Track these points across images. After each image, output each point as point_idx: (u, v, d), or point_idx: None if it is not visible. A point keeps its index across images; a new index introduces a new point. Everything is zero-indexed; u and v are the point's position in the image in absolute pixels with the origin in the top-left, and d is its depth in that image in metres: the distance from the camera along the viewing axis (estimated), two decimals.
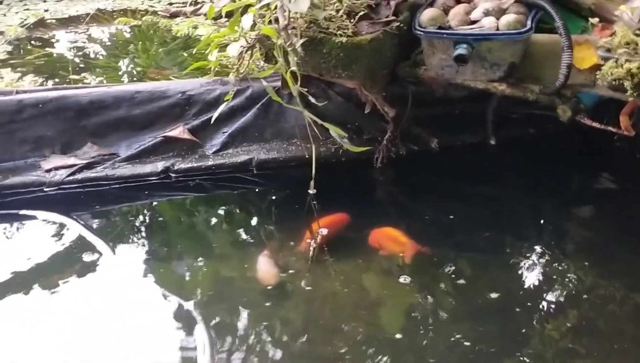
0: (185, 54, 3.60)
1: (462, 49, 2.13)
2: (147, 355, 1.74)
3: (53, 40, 4.13)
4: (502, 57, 2.17)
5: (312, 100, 2.19)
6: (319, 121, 2.23)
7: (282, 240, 2.21)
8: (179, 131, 2.63)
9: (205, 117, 2.63)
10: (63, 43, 4.09)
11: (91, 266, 2.14)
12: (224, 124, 2.63)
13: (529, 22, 2.11)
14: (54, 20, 4.36)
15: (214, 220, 2.45)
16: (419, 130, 2.58)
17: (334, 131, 2.21)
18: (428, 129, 2.59)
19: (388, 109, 2.39)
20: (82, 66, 3.68)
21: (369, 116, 2.51)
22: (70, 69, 3.52)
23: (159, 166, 2.55)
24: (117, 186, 2.53)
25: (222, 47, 2.39)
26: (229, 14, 2.32)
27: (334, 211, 2.24)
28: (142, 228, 2.40)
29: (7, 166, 2.53)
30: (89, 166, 2.54)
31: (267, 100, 2.63)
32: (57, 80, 3.34)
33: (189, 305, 1.88)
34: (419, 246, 2.05)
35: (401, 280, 1.97)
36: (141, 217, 2.48)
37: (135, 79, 3.43)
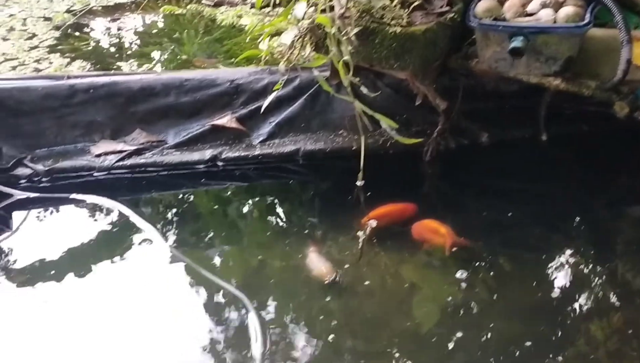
0: (229, 43, 3.61)
1: (517, 42, 2.09)
2: (197, 342, 1.75)
3: (99, 27, 4.18)
4: (558, 51, 2.12)
5: (364, 90, 2.17)
6: (370, 112, 2.22)
7: (329, 232, 2.20)
8: (226, 120, 2.63)
9: (253, 107, 2.63)
10: (108, 30, 4.14)
11: (139, 251, 2.17)
12: (271, 114, 2.62)
13: (587, 16, 2.06)
14: (99, 7, 4.40)
15: (259, 210, 2.44)
16: (469, 124, 2.54)
17: (385, 122, 2.19)
18: (478, 123, 2.55)
19: (439, 102, 2.36)
20: (128, 52, 3.72)
21: (418, 108, 2.48)
22: (116, 55, 3.57)
23: (207, 154, 2.56)
24: (165, 172, 2.55)
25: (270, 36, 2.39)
26: (277, 3, 2.32)
27: (385, 203, 2.21)
28: (189, 215, 2.42)
29: (58, 150, 2.57)
30: (137, 152, 2.57)
31: (315, 90, 2.62)
32: (100, 66, 3.38)
33: (237, 293, 1.88)
34: (458, 238, 2.02)
35: (446, 274, 1.96)
36: (188, 204, 2.50)
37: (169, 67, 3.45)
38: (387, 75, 2.48)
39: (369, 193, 2.33)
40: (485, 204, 2.31)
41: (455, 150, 2.52)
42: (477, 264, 1.99)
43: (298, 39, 2.22)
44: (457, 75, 2.47)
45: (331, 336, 1.76)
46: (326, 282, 1.90)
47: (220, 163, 2.56)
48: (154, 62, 3.53)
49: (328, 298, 1.89)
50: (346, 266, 1.99)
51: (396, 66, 2.20)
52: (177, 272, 2.05)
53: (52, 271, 2.08)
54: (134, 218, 2.25)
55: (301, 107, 2.63)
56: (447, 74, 2.44)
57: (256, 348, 1.66)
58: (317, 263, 1.97)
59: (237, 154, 2.58)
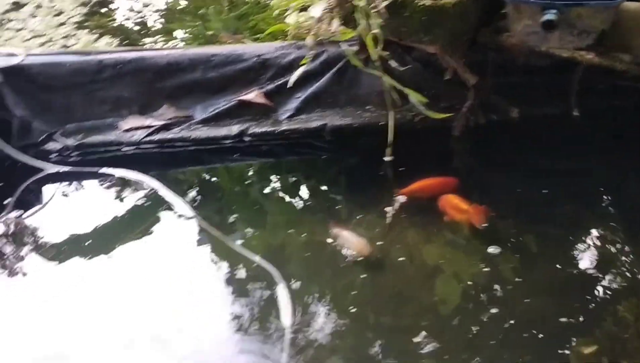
0: (255, 19, 3.59)
1: (550, 15, 2.05)
2: (227, 314, 1.77)
3: (124, 4, 4.17)
4: (592, 25, 2.08)
5: (394, 64, 2.15)
6: (399, 87, 2.19)
7: (357, 208, 2.19)
8: (253, 95, 2.62)
9: (280, 82, 2.61)
10: (133, 7, 4.14)
11: (168, 225, 2.19)
12: (298, 89, 2.60)
13: None
14: None
15: (286, 186, 2.43)
16: (499, 99, 2.50)
17: (414, 97, 2.17)
18: (508, 98, 2.51)
19: (469, 76, 2.33)
20: (153, 29, 3.72)
21: (447, 83, 2.45)
22: (142, 32, 3.57)
23: (234, 129, 2.56)
24: (193, 148, 2.56)
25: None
26: None
27: (415, 179, 2.20)
28: (216, 190, 2.44)
29: (87, 125, 2.59)
30: (165, 127, 2.58)
31: (342, 65, 2.59)
32: (127, 42, 3.39)
33: (266, 266, 1.89)
34: (481, 213, 2.00)
35: (475, 251, 1.95)
36: (215, 179, 2.52)
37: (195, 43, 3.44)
38: (416, 49, 2.44)
39: (397, 169, 2.32)
40: (515, 180, 2.28)
41: (485, 126, 2.48)
42: (506, 240, 1.98)
43: (326, 13, 2.20)
44: (487, 49, 2.43)
45: (357, 310, 1.77)
46: (361, 258, 1.90)
47: (247, 139, 2.57)
48: (179, 38, 3.53)
49: (355, 273, 1.89)
50: (374, 241, 1.98)
51: (425, 39, 2.17)
52: (205, 245, 2.07)
53: (82, 244, 2.12)
54: (163, 191, 2.27)
55: (328, 83, 2.61)
56: (477, 48, 2.40)
57: (285, 320, 1.67)
58: (350, 239, 1.96)
59: (263, 129, 2.57)
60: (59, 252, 2.09)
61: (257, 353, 1.61)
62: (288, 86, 2.43)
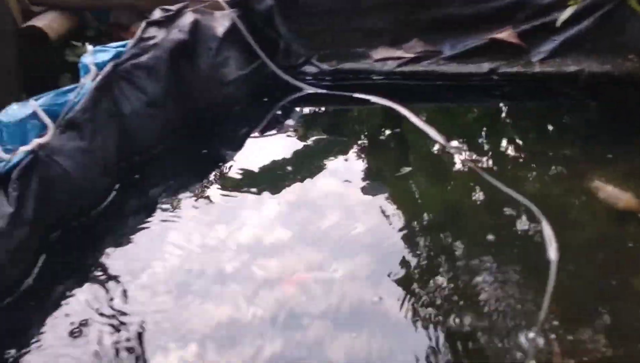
0: None
1: None
2: (489, 245, 1.81)
3: None
4: None
5: None
6: None
7: (620, 160, 2.09)
8: (506, 34, 2.58)
9: (536, 22, 2.55)
10: None
11: (420, 153, 2.27)
12: (555, 31, 2.51)
13: None
14: None
15: (539, 130, 2.38)
16: None
17: None
18: None
19: None
20: None
21: None
22: None
23: (484, 67, 2.55)
24: (440, 83, 2.60)
25: None
26: None
27: None
28: (473, 128, 2.44)
29: (342, 51, 2.71)
30: (414, 60, 2.63)
31: (608, 10, 2.46)
32: None
33: (526, 202, 1.89)
34: None
35: None
36: (464, 116, 2.54)
37: None
38: None
39: None
40: None
41: None
42: None
43: None
44: None
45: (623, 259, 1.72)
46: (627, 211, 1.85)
47: (495, 77, 2.55)
48: None
49: (619, 226, 1.83)
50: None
51: None
52: (460, 174, 2.11)
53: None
54: (415, 119, 2.33)
55: (590, 27, 2.49)
56: None
57: (551, 253, 1.67)
58: (614, 192, 1.90)
59: (514, 70, 2.53)
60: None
61: (521, 284, 1.64)
62: (557, 25, 2.35)
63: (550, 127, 2.39)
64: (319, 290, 1.66)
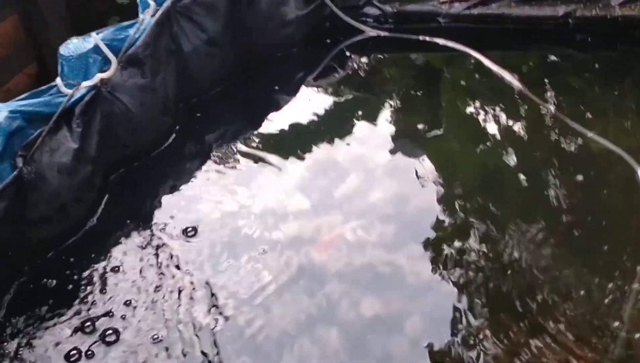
0: None
1: None
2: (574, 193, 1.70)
3: None
4: None
5: None
6: None
7: None
8: None
9: None
10: None
11: (490, 96, 2.15)
12: None
13: None
14: None
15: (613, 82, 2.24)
16: None
17: None
18: None
19: None
20: None
21: None
22: None
23: (560, 10, 2.39)
24: (511, 26, 2.45)
25: None
26: None
27: None
28: (545, 76, 2.28)
29: None
30: (483, 2, 2.48)
31: None
32: None
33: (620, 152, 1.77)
34: None
35: None
36: (529, 65, 2.40)
37: None
38: None
39: None
40: None
41: None
42: None
43: None
44: None
45: None
46: None
47: (571, 21, 2.39)
48: None
49: None
50: None
51: None
52: (536, 117, 1.99)
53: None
54: (487, 62, 2.20)
55: None
56: None
57: None
58: None
59: (592, 13, 2.37)
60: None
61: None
62: None
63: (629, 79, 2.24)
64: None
